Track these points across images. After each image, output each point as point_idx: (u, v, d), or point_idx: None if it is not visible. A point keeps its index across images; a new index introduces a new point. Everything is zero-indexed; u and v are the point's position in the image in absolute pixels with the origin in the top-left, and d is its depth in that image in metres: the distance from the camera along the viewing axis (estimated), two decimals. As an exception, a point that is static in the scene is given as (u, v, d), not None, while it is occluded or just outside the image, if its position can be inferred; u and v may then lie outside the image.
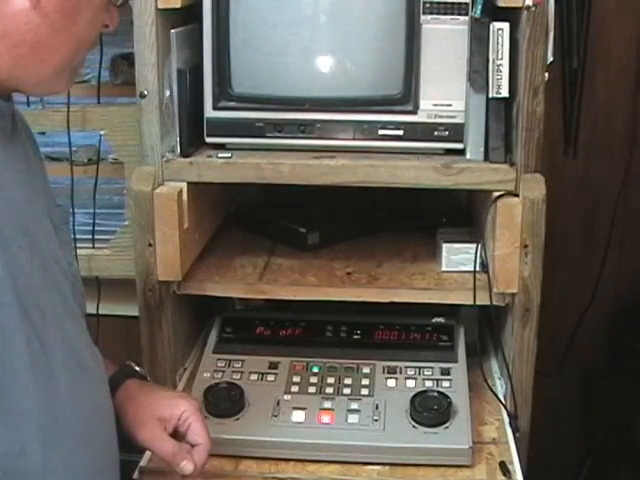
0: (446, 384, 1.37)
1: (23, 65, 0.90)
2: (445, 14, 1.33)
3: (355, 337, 1.48)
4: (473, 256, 1.40)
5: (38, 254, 0.91)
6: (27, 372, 0.85)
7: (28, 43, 0.88)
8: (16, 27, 0.87)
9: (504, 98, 1.34)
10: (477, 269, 1.39)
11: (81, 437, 0.93)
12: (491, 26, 1.31)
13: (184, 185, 1.37)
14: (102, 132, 1.79)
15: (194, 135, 1.39)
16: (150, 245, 1.36)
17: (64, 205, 1.14)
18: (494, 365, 1.54)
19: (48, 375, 0.88)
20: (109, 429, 1.02)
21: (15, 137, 0.96)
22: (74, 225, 1.70)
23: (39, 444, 0.86)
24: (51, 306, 0.90)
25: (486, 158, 1.36)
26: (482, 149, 1.36)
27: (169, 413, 1.09)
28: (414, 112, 1.36)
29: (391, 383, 1.38)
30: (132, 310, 1.45)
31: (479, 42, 1.33)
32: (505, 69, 1.31)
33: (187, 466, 1.04)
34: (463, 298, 1.41)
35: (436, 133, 1.37)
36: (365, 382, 1.38)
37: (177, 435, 1.09)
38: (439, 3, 1.32)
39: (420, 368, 1.40)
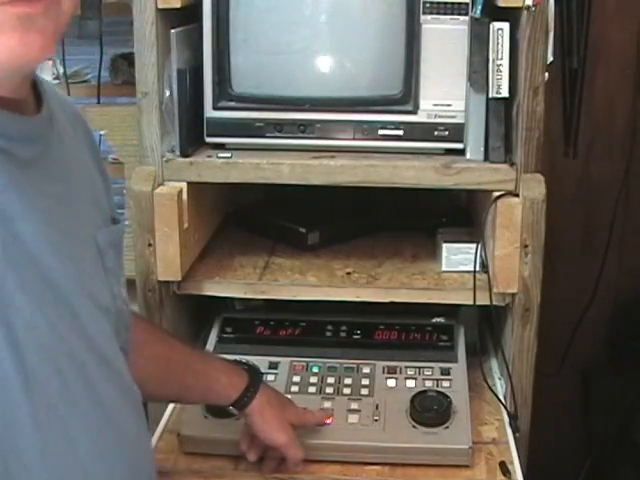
0: (446, 384, 1.37)
1: None
2: (445, 14, 1.33)
3: (355, 337, 1.48)
4: (473, 256, 1.40)
5: (59, 299, 0.80)
6: (35, 451, 0.75)
7: None
8: None
9: (504, 98, 1.33)
10: (477, 269, 1.39)
11: None
12: (491, 26, 1.31)
13: (184, 185, 1.37)
14: (102, 132, 1.79)
15: (194, 135, 1.39)
16: (150, 245, 1.36)
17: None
18: (494, 365, 1.54)
19: (65, 445, 0.79)
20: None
21: (48, 156, 0.84)
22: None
23: None
24: (70, 356, 0.81)
25: (486, 158, 1.36)
26: (482, 149, 1.36)
27: (297, 421, 1.26)
28: (414, 112, 1.36)
29: (391, 383, 1.38)
30: (132, 310, 1.45)
31: (479, 42, 1.33)
32: (505, 69, 1.31)
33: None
34: (463, 298, 1.40)
35: (436, 133, 1.37)
36: (365, 382, 1.38)
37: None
38: (439, 3, 1.32)
39: (420, 368, 1.40)
